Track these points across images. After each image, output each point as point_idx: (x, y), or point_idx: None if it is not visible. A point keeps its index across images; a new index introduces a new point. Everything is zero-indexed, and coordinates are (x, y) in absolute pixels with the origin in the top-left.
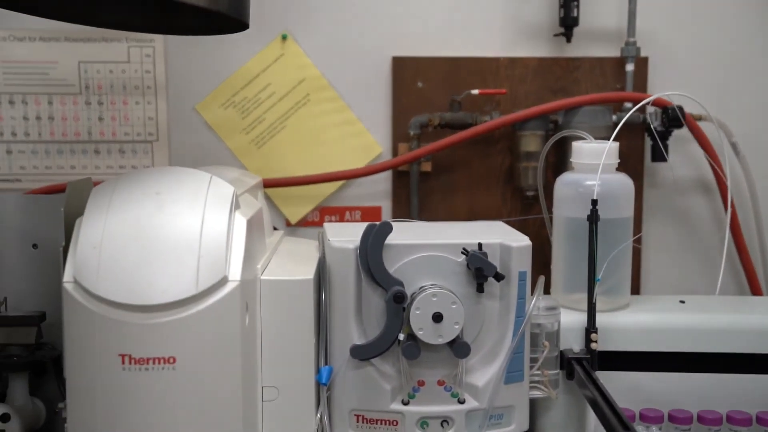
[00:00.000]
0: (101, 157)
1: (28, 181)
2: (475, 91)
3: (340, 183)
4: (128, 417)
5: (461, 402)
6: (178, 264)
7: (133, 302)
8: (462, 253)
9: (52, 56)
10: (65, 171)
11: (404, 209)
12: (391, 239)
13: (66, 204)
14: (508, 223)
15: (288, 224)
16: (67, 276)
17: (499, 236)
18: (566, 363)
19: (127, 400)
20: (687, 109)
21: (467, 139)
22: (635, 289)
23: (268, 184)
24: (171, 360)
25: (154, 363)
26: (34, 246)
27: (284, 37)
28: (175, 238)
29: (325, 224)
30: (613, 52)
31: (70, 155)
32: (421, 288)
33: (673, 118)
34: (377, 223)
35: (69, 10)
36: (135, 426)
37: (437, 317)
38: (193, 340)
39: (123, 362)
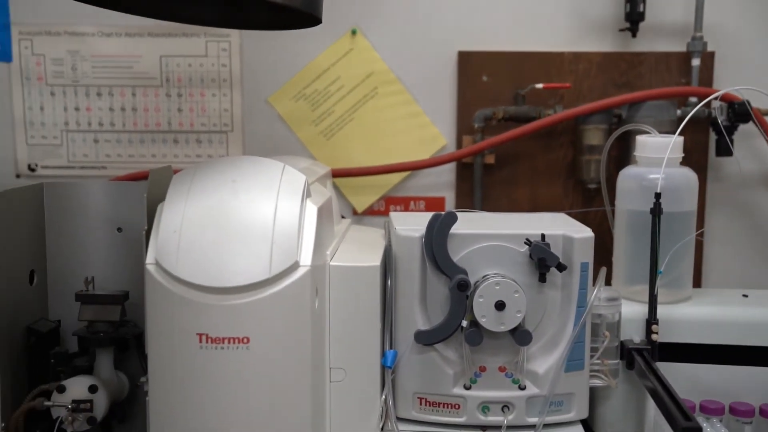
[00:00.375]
0: (180, 146)
1: (113, 168)
2: (540, 85)
3: (405, 174)
4: (204, 392)
5: (522, 388)
6: (253, 249)
7: (210, 284)
8: (525, 243)
9: (137, 51)
10: (147, 159)
11: (467, 200)
12: (455, 229)
13: (148, 190)
14: (569, 215)
15: (355, 213)
16: (150, 258)
17: (561, 227)
18: (626, 353)
19: (203, 377)
20: (753, 104)
21: (530, 133)
22: (697, 282)
23: (336, 174)
24: (245, 340)
25: (229, 342)
26: (119, 229)
27: (354, 32)
28: (249, 224)
29: (391, 213)
30: (679, 46)
31: (152, 144)
32: (484, 277)
33: (740, 113)
34: (442, 213)
35: (152, 7)
36: (210, 400)
37: (500, 305)
38: (266, 321)
39: (200, 341)
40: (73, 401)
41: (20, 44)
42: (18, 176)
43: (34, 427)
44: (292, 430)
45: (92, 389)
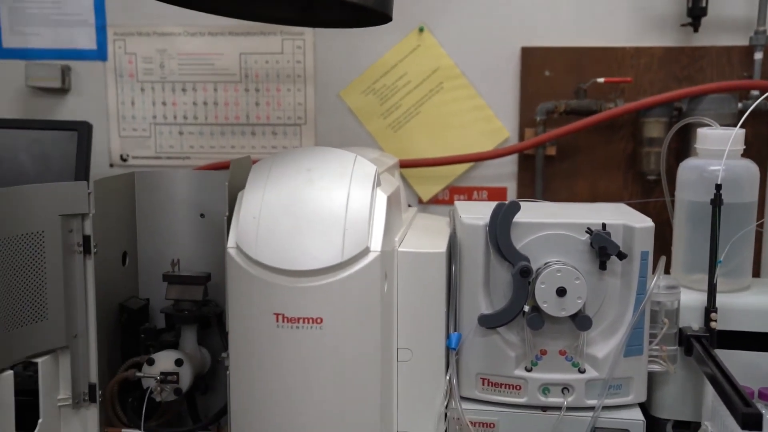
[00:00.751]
0: (257, 138)
1: (196, 158)
2: (601, 80)
3: (469, 164)
4: (280, 368)
5: (582, 371)
6: (326, 234)
7: (287, 267)
8: (586, 232)
9: (218, 49)
10: (226, 150)
11: (528, 191)
12: (518, 217)
13: (229, 179)
14: (629, 205)
15: (420, 202)
16: (231, 242)
17: (622, 217)
18: (685, 340)
19: (279, 354)
20: None
21: (592, 125)
22: (756, 272)
23: (403, 164)
24: (318, 320)
25: (303, 322)
26: (202, 215)
27: (421, 30)
28: (323, 211)
29: (456, 202)
30: (741, 40)
31: (231, 136)
32: (546, 264)
33: None
34: (506, 202)
35: (233, 7)
36: (286, 375)
37: (561, 291)
38: (338, 303)
39: (277, 320)
40: (162, 373)
41: (114, 44)
42: (111, 165)
43: (126, 395)
44: (362, 405)
45: (178, 362)
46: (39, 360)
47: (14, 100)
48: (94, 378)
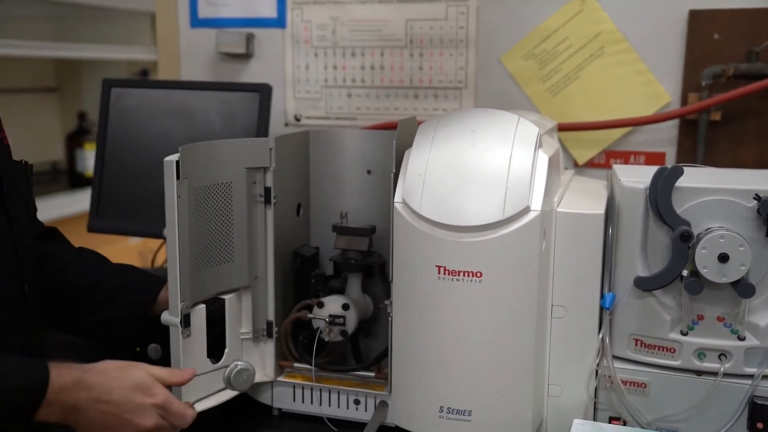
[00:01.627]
0: (419, 101)
1: (363, 119)
2: None
3: (626, 129)
4: (440, 317)
5: (741, 339)
6: (488, 192)
7: (450, 223)
8: (754, 198)
9: (386, 16)
10: (390, 111)
11: (689, 156)
12: (680, 182)
13: (397, 138)
14: None
15: (576, 165)
16: (397, 197)
17: None
18: None
19: (440, 304)
20: None
21: (762, 90)
22: None
23: (560, 128)
24: (478, 274)
25: (463, 276)
26: (368, 172)
27: None
28: (486, 170)
29: (615, 166)
30: None
31: (395, 98)
32: (707, 229)
33: None
34: (667, 166)
35: None
36: (445, 325)
37: (723, 257)
38: (498, 259)
39: (439, 272)
40: (330, 316)
41: (293, 12)
42: (286, 124)
43: (298, 333)
44: (516, 358)
45: (345, 307)
46: (226, 297)
47: (206, 65)
48: (271, 316)
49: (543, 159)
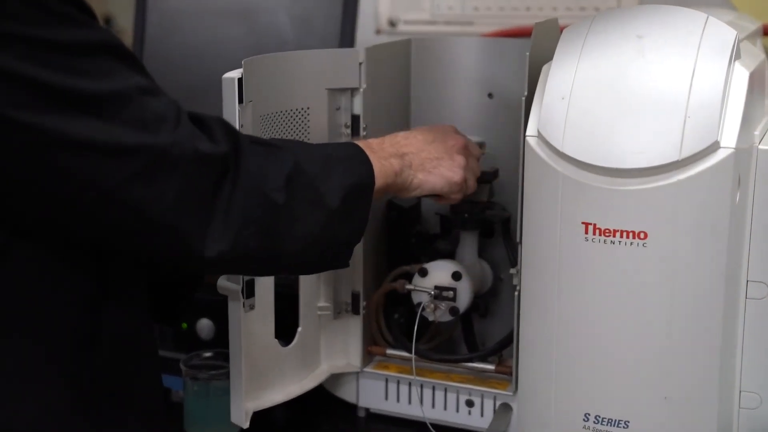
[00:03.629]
0: None
1: (481, 24)
2: None
3: None
4: (588, 293)
5: None
6: (659, 122)
7: (603, 164)
8: None
9: None
10: (520, 12)
11: None
12: None
13: (531, 49)
14: None
15: None
16: (530, 129)
17: None
18: None
19: (587, 275)
20: None
21: None
22: None
23: None
24: (641, 235)
25: (621, 236)
26: (490, 95)
27: None
28: (657, 91)
29: None
30: None
31: None
32: None
33: None
34: None
35: None
36: (595, 304)
37: None
38: (670, 215)
39: (586, 232)
40: (436, 287)
41: None
42: (378, 32)
43: (393, 310)
44: (695, 352)
45: (456, 276)
46: None
47: None
48: (357, 286)
49: (742, 75)
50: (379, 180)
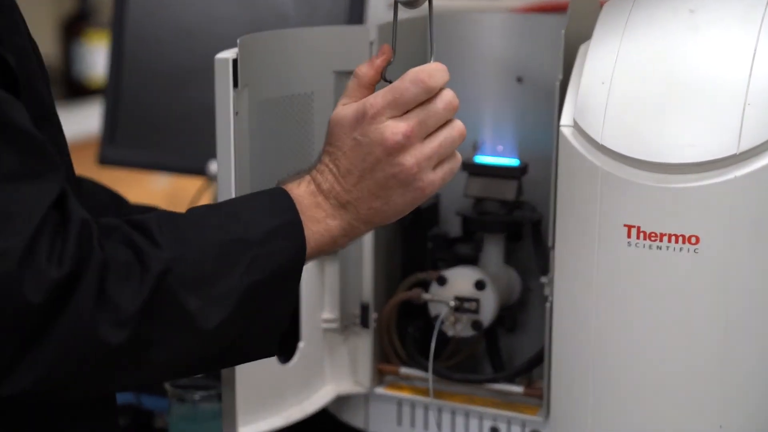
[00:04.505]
0: None
1: None
2: None
3: None
4: (631, 306)
5: None
6: (714, 111)
7: (649, 158)
8: None
9: None
10: None
11: None
12: None
13: (567, 26)
14: None
15: None
16: (566, 118)
17: None
18: None
19: (631, 284)
20: None
21: None
22: None
23: None
24: (693, 240)
25: (669, 241)
26: (519, 79)
27: None
28: (711, 75)
29: None
30: None
31: None
32: None
33: None
34: None
35: None
36: (639, 318)
37: None
38: (726, 216)
39: (629, 235)
40: (456, 298)
41: None
42: (391, 6)
43: (407, 323)
44: (755, 374)
45: (479, 285)
46: None
47: None
48: (367, 296)
49: None
50: (312, 253)
